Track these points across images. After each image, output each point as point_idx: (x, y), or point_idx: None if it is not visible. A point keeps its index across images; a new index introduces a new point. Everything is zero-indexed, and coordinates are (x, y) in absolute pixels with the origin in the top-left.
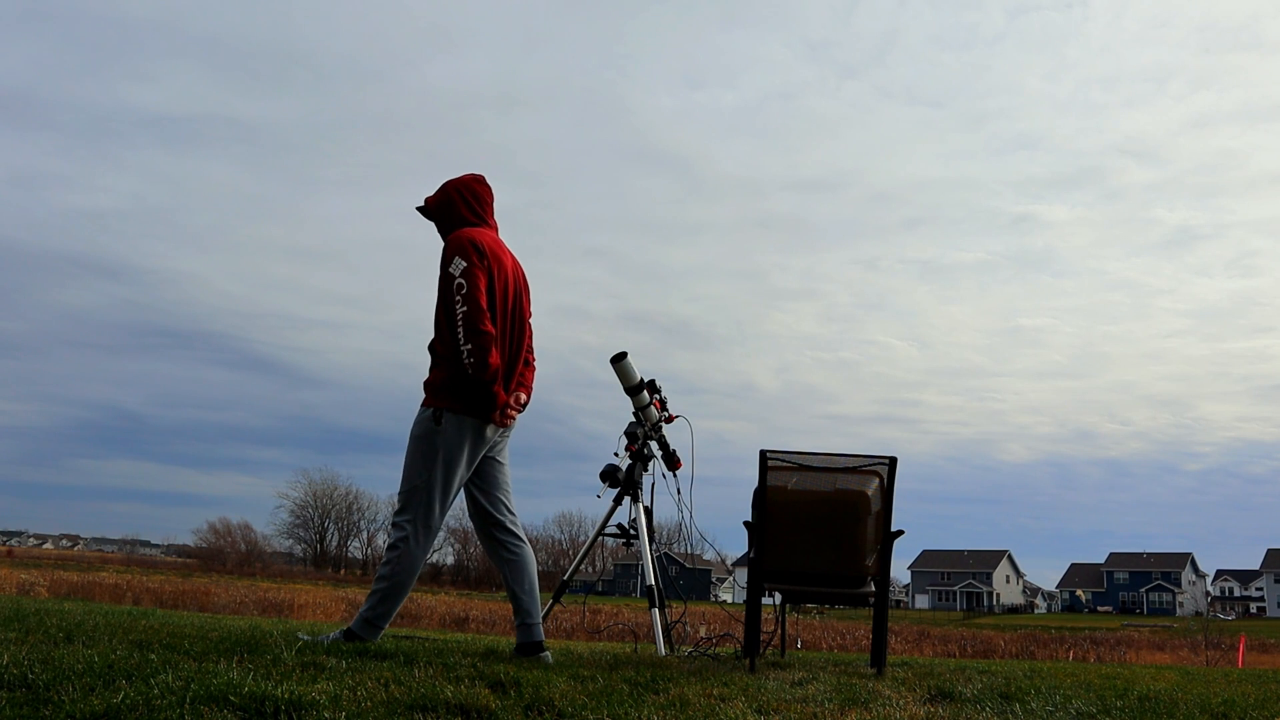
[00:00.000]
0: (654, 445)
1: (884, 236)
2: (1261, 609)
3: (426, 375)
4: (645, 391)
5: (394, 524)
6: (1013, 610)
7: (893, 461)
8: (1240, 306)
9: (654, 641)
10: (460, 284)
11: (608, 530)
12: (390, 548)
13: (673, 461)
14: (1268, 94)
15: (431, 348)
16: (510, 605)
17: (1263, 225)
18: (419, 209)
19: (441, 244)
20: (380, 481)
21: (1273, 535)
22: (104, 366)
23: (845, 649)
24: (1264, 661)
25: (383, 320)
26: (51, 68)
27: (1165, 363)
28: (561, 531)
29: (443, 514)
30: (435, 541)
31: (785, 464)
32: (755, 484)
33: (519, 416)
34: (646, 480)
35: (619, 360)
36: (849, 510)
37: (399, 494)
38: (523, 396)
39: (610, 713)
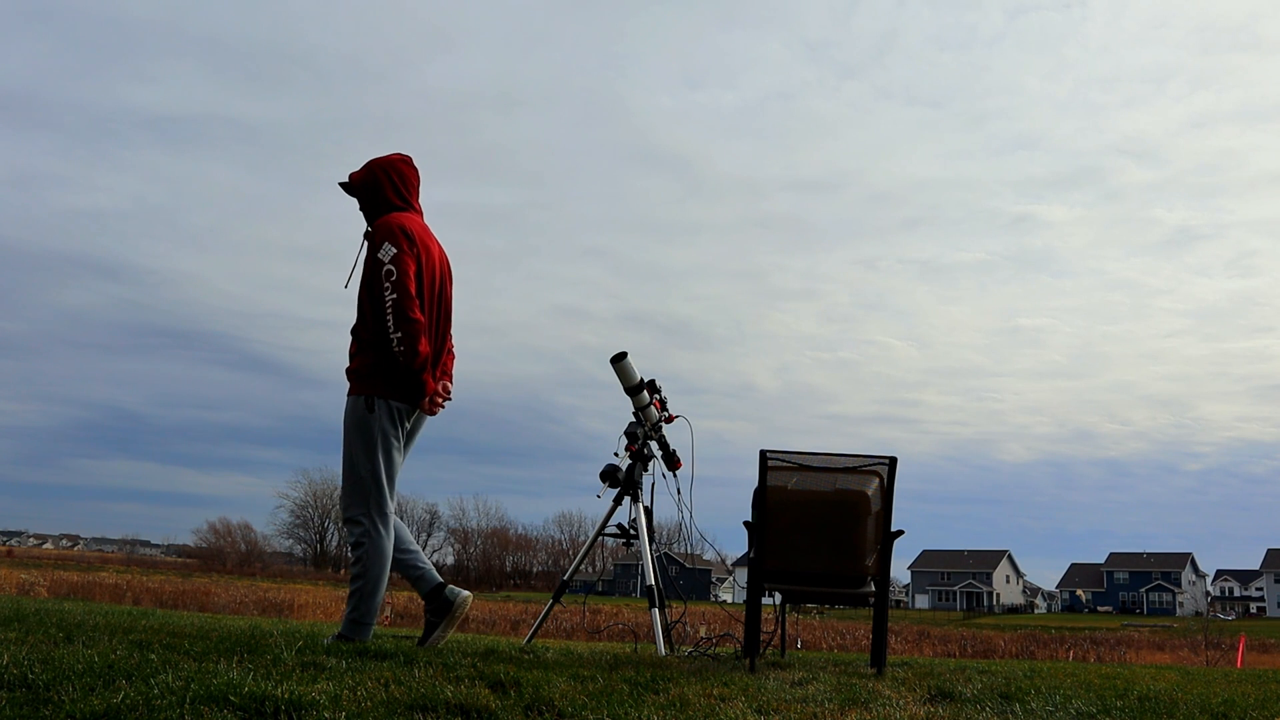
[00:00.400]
0: (654, 445)
1: (883, 237)
2: (1261, 609)
3: (350, 362)
4: (645, 391)
5: (349, 521)
6: (1013, 610)
7: (893, 461)
8: (1239, 306)
9: (654, 641)
10: (390, 270)
11: (608, 530)
12: (355, 546)
13: (673, 461)
14: (1267, 94)
15: (356, 333)
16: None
17: (1262, 225)
18: (342, 184)
19: (362, 220)
20: None
21: (1273, 535)
22: (104, 366)
23: (845, 649)
24: (1264, 661)
25: None
26: (51, 68)
27: (1165, 363)
28: (561, 531)
29: (393, 499)
30: (436, 540)
31: (785, 464)
32: (755, 484)
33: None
34: (646, 480)
35: (619, 360)
36: (849, 510)
37: (344, 489)
38: (449, 385)
39: (610, 713)
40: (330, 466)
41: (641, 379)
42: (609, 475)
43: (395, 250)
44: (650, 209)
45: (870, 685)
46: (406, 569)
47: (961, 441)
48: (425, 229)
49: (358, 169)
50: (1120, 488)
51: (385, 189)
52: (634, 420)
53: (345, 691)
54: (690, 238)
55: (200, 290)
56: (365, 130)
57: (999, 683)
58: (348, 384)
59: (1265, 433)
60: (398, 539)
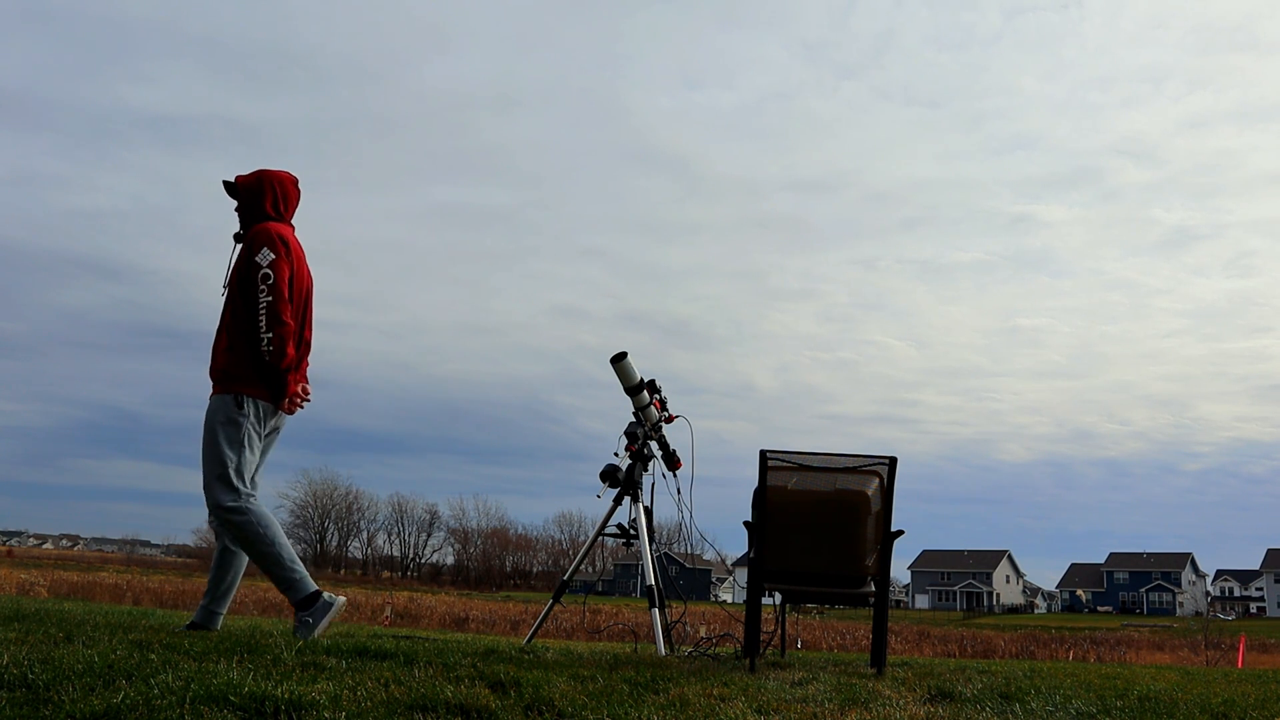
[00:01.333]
0: (654, 445)
1: (882, 237)
2: (1261, 609)
3: (215, 360)
4: (645, 391)
5: (222, 509)
6: (1013, 610)
7: (893, 461)
8: (1238, 307)
9: (654, 641)
10: (267, 274)
11: (608, 530)
12: (240, 530)
13: (672, 461)
14: (1265, 94)
15: (226, 332)
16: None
17: (1260, 225)
18: (226, 183)
19: (236, 218)
20: (380, 481)
21: (1273, 535)
22: (104, 366)
23: (845, 649)
24: (1264, 661)
25: (382, 320)
26: (50, 68)
27: (1163, 363)
28: (561, 531)
29: (254, 488)
30: (436, 541)
31: (785, 464)
32: (755, 484)
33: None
34: (646, 480)
35: (619, 360)
36: (849, 510)
37: (209, 484)
38: (308, 387)
39: (610, 713)
40: (330, 466)
41: (641, 379)
42: (609, 475)
43: (273, 256)
44: (649, 209)
45: (870, 685)
46: (220, 579)
47: (961, 441)
48: (298, 242)
49: (247, 173)
50: (1120, 488)
51: (266, 199)
52: (634, 420)
53: (345, 691)
54: (689, 238)
55: (200, 290)
56: (364, 131)
57: (999, 683)
58: (212, 382)
59: (1264, 433)
60: (240, 563)
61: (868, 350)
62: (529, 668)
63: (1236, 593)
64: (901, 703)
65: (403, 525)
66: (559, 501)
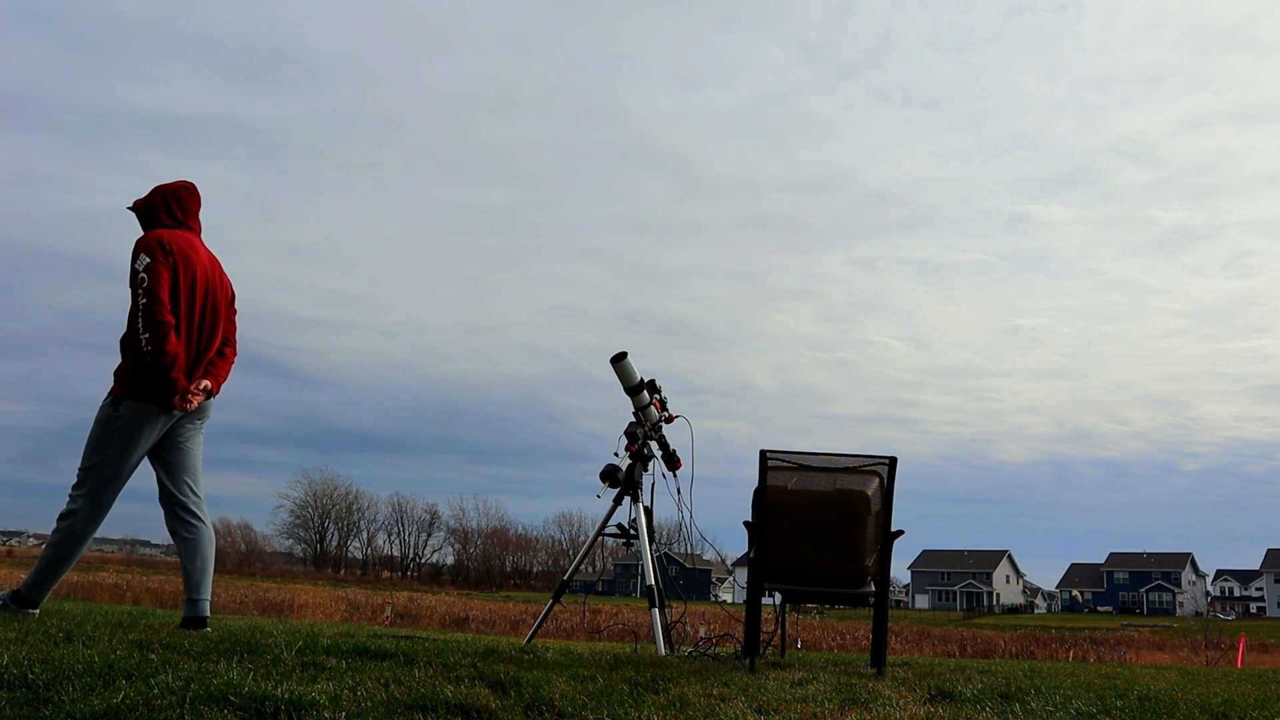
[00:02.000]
0: (654, 445)
1: (881, 237)
2: (1261, 609)
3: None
4: (645, 391)
5: (70, 496)
6: (1013, 610)
7: (893, 461)
8: (1237, 307)
9: (654, 641)
10: (142, 278)
11: (608, 530)
12: (61, 517)
13: (672, 461)
14: (1262, 94)
15: (122, 339)
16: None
17: (1258, 225)
18: (130, 208)
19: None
20: (380, 481)
21: (1273, 535)
22: (104, 366)
23: (845, 649)
24: (1264, 661)
25: (381, 320)
26: (49, 69)
27: (1163, 363)
28: (561, 531)
29: (115, 493)
30: (436, 541)
31: (785, 464)
32: (755, 484)
33: (210, 403)
34: (646, 480)
35: (619, 360)
36: (849, 510)
37: (78, 470)
38: (207, 384)
39: (610, 713)
40: (330, 466)
41: (641, 379)
42: (609, 475)
43: (149, 260)
44: (648, 209)
45: (870, 685)
46: (188, 589)
47: (960, 441)
48: (191, 242)
49: (143, 196)
50: (1120, 488)
51: (160, 211)
52: (634, 420)
53: (345, 691)
54: (688, 238)
55: None
56: (363, 131)
57: (999, 683)
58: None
59: (1264, 432)
60: (197, 554)
61: (867, 350)
62: (529, 668)
63: (1236, 593)
64: (901, 703)
65: (403, 525)
66: (559, 501)
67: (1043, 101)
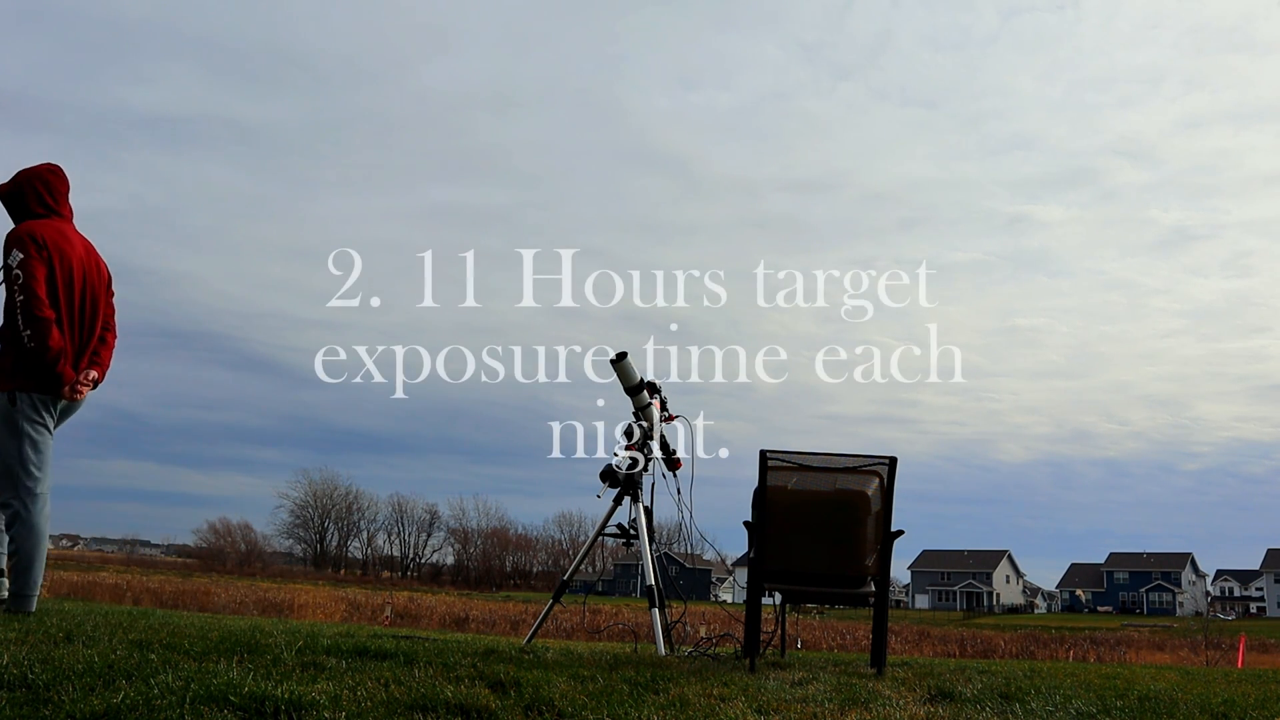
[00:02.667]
0: (654, 445)
1: (880, 237)
2: (1261, 609)
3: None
4: (645, 391)
5: (2, 503)
6: (1013, 610)
7: (893, 461)
8: (1236, 307)
9: (654, 641)
10: (17, 275)
11: (608, 530)
12: (8, 527)
13: (673, 462)
14: (1261, 94)
15: (0, 335)
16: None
17: (1257, 225)
18: None
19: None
20: (380, 481)
21: (1273, 535)
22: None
23: (845, 649)
24: (1264, 661)
25: (381, 320)
26: (48, 69)
27: (1162, 363)
28: (561, 531)
29: (45, 477)
30: (436, 541)
31: (785, 464)
32: (755, 484)
33: (92, 391)
34: (646, 480)
35: (619, 360)
36: (849, 510)
37: None
38: (94, 374)
39: (610, 713)
40: (330, 466)
41: (642, 379)
42: (609, 475)
43: (22, 256)
44: (647, 209)
45: (870, 685)
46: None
47: (960, 441)
48: (63, 233)
49: (6, 181)
50: (1119, 488)
51: (29, 199)
52: (634, 419)
53: (345, 691)
54: (687, 238)
55: (198, 291)
56: (362, 131)
57: (999, 683)
58: None
59: (1263, 432)
60: (20, 540)
61: (867, 350)
62: (529, 668)
63: (1236, 593)
64: (901, 703)
65: (403, 525)
66: (559, 501)
67: (1041, 102)
